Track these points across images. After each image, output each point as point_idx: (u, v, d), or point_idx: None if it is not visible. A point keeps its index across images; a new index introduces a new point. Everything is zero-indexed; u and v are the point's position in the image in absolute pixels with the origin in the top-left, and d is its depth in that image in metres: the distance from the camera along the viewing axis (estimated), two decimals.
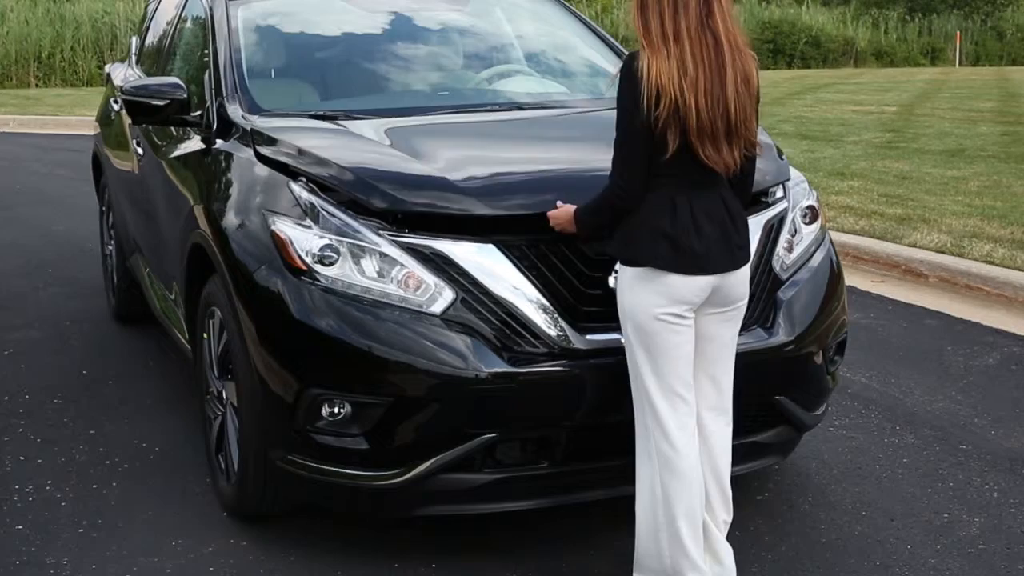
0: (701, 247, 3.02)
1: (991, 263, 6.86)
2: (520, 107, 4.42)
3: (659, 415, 3.08)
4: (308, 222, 3.41)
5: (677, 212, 3.01)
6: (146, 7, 6.78)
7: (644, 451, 3.14)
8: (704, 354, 3.17)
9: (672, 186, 3.02)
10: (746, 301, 3.21)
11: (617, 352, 3.32)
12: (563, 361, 3.29)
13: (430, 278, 3.29)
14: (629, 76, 2.97)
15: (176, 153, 4.62)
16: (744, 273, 3.16)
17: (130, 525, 3.80)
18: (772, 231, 3.67)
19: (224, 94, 4.25)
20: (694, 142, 2.96)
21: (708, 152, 2.98)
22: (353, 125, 4.00)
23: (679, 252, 3.01)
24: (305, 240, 3.37)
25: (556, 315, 3.30)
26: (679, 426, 3.09)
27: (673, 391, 3.09)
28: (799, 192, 3.88)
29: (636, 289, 3.06)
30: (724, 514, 3.29)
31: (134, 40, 6.41)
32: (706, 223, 3.04)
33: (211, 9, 4.75)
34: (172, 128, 4.68)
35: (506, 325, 3.27)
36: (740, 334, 3.33)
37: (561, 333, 3.29)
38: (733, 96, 2.97)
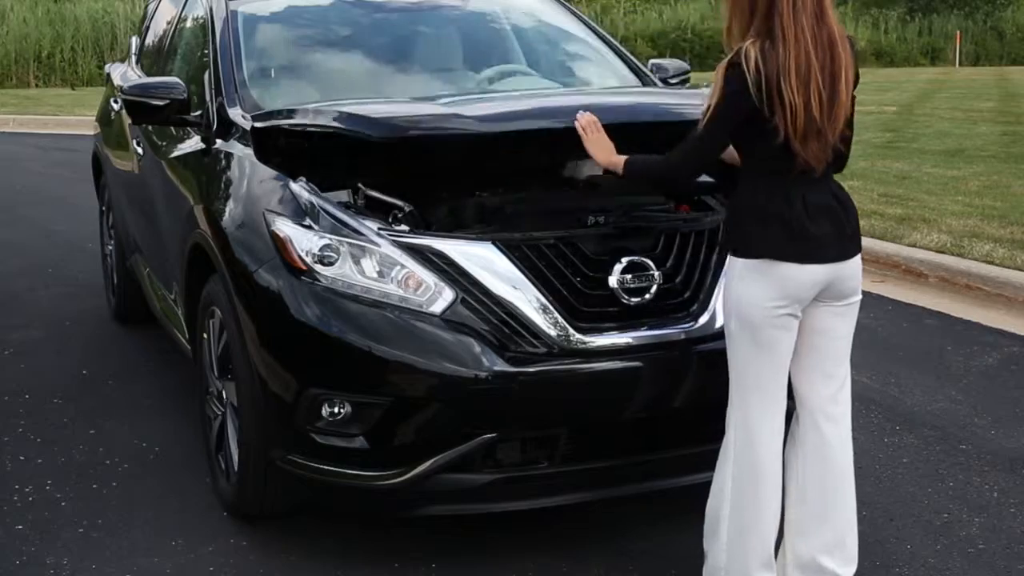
0: (816, 234, 2.95)
1: (991, 263, 6.86)
2: None
3: (748, 412, 3.02)
4: (308, 222, 3.41)
5: (792, 203, 2.94)
6: (146, 7, 6.77)
7: (725, 450, 3.08)
8: (817, 349, 3.07)
9: (783, 177, 2.94)
10: (860, 297, 3.12)
11: (617, 352, 3.33)
12: (563, 361, 3.28)
13: (430, 278, 3.29)
14: (737, 67, 2.85)
15: (176, 153, 4.62)
16: (856, 265, 3.07)
17: (130, 525, 3.80)
18: None
19: (224, 94, 4.26)
20: (796, 142, 2.87)
21: (811, 149, 2.89)
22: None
23: (795, 241, 2.93)
24: (305, 240, 3.37)
25: (556, 315, 3.29)
26: (766, 426, 3.03)
27: (766, 389, 3.02)
28: None
29: (747, 281, 2.97)
30: (842, 566, 3.16)
31: (134, 40, 6.40)
32: (818, 213, 2.97)
33: (211, 9, 4.75)
34: (172, 128, 4.68)
35: (506, 325, 3.27)
36: None
37: (561, 333, 3.29)
38: (844, 92, 2.91)
